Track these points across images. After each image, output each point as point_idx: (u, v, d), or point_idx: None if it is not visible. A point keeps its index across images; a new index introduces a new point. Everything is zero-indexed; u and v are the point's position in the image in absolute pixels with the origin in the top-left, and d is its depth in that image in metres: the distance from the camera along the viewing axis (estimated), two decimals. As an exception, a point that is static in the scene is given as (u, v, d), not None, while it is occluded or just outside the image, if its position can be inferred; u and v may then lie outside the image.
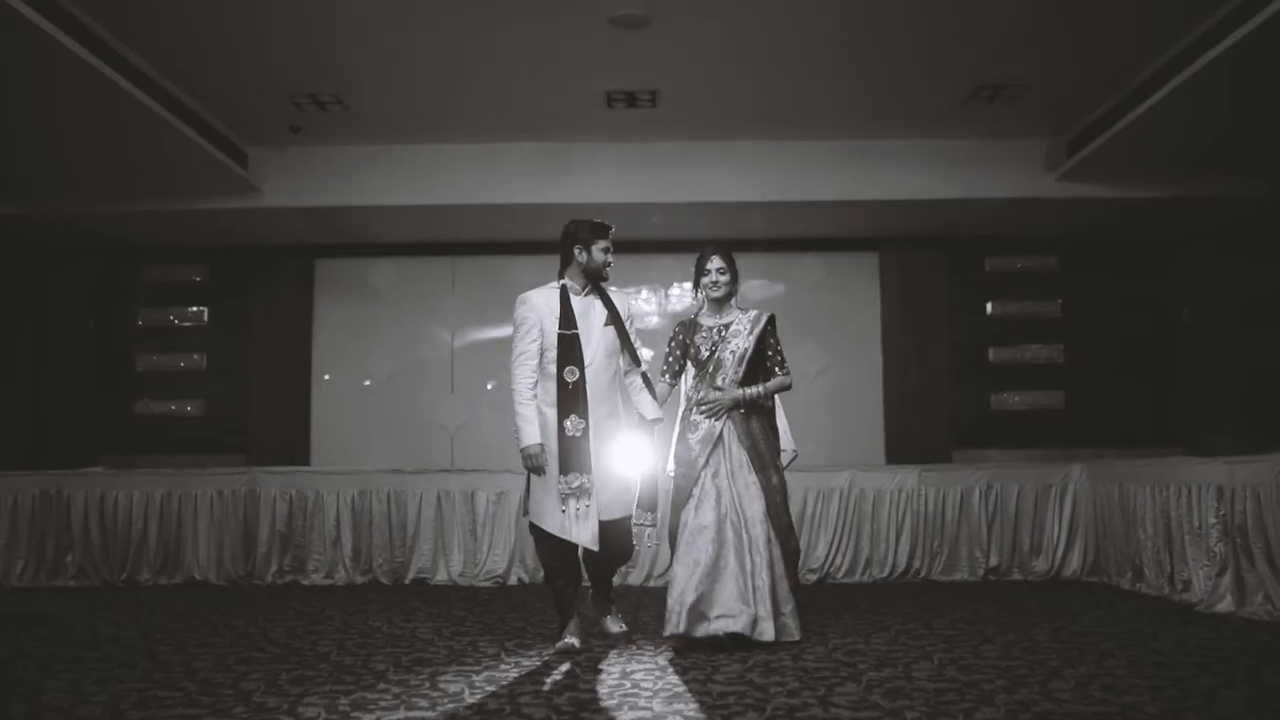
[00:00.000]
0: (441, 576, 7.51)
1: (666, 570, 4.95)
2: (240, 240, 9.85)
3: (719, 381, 4.89)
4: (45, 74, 6.24)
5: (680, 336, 5.06)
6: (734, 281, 5.01)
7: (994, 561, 7.47)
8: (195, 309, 10.23)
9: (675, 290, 10.11)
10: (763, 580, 4.62)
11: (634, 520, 4.84)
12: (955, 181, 8.55)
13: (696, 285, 5.06)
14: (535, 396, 4.68)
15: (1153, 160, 8.00)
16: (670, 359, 5.06)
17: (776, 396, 5.11)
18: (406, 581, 7.47)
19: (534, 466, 4.63)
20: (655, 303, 10.14)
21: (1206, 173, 8.26)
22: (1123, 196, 8.51)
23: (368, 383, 10.16)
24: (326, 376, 10.19)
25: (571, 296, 4.77)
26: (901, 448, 9.63)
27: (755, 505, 4.74)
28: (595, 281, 4.86)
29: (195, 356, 10.14)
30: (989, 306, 10.06)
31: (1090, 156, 7.96)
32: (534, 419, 4.64)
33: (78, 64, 6.07)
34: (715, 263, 4.96)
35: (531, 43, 6.70)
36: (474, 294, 10.13)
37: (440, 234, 9.71)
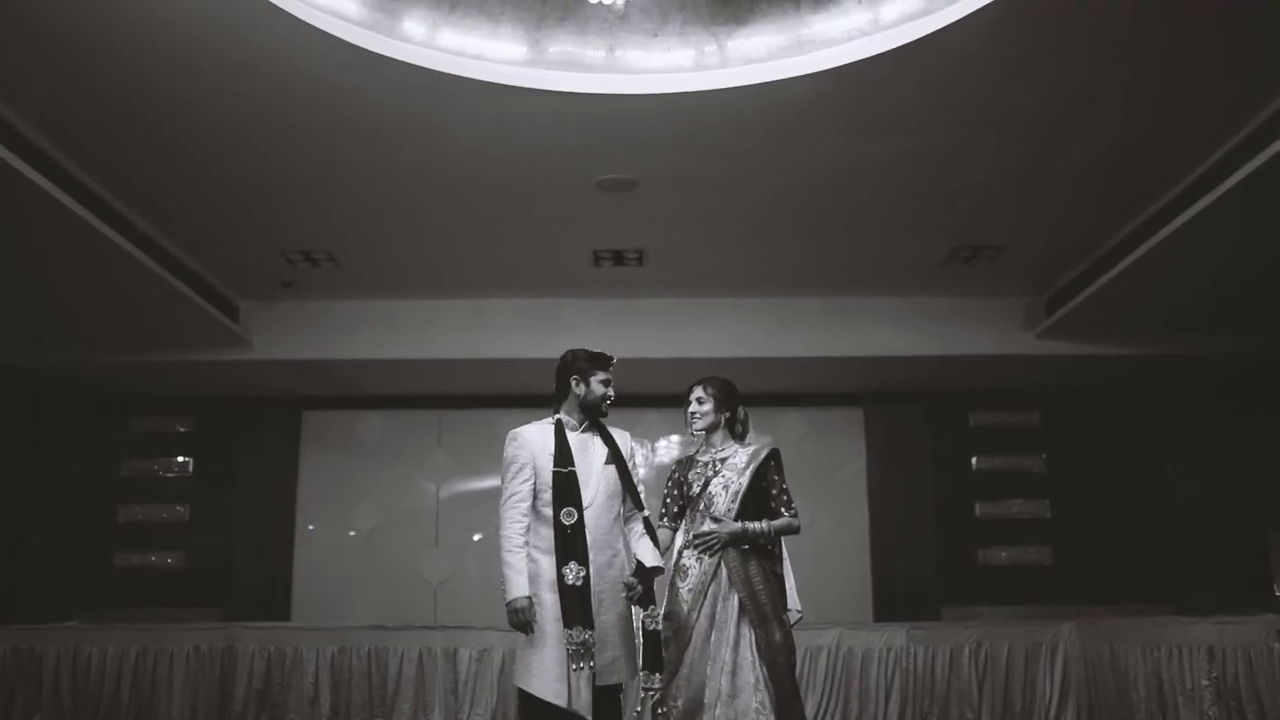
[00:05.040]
0: (421, 738, 7.33)
1: None
2: (228, 392, 9.86)
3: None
4: (39, 227, 6.28)
5: (676, 475, 4.64)
6: (720, 411, 4.59)
7: (986, 723, 7.33)
8: (180, 459, 10.18)
9: (662, 443, 10.14)
10: None
11: (642, 685, 4.18)
12: (936, 338, 8.68)
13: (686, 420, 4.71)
14: (526, 544, 4.11)
15: (1129, 319, 8.16)
16: (668, 500, 4.62)
17: (783, 545, 4.55)
18: (384, 743, 7.29)
19: (520, 623, 4.01)
20: (642, 455, 10.16)
21: (1182, 331, 8.40)
22: (1101, 354, 8.63)
23: (352, 533, 10.06)
24: (311, 527, 10.09)
25: (568, 432, 4.28)
26: (889, 603, 9.53)
27: (745, 670, 4.19)
28: (594, 417, 4.35)
29: (178, 508, 10.03)
30: (974, 461, 10.08)
31: (1068, 315, 8.11)
32: (524, 569, 4.05)
33: (72, 219, 6.12)
34: (696, 392, 4.60)
35: (521, 203, 6.86)
36: (460, 447, 10.12)
37: (428, 388, 9.76)
